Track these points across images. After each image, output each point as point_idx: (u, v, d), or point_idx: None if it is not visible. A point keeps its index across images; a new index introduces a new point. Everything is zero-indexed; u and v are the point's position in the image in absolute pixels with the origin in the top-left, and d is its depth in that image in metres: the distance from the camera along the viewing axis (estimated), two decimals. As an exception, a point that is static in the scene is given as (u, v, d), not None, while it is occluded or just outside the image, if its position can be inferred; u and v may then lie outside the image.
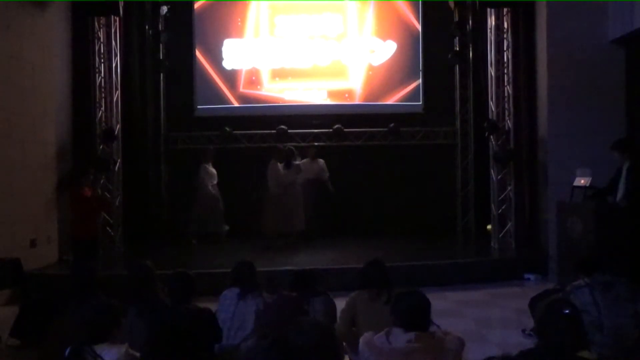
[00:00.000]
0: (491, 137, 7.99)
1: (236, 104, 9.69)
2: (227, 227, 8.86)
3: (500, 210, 8.02)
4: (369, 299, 3.49)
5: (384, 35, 9.70)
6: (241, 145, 9.57)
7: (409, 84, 9.71)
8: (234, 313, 3.65)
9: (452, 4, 9.56)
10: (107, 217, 8.05)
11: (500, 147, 7.92)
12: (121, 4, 7.87)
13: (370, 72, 9.71)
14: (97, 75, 8.02)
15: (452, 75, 9.91)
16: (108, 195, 8.02)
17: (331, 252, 7.81)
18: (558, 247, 6.31)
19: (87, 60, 7.96)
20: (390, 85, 9.70)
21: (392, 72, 9.70)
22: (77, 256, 7.23)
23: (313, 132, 9.62)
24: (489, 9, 7.99)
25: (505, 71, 7.93)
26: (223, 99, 9.67)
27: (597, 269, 3.64)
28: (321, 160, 9.04)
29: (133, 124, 8.79)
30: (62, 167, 7.58)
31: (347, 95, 9.72)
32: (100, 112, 8.04)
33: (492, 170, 8.11)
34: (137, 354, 2.64)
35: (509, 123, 7.89)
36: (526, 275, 6.99)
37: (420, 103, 9.76)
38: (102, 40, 8.08)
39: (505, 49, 7.91)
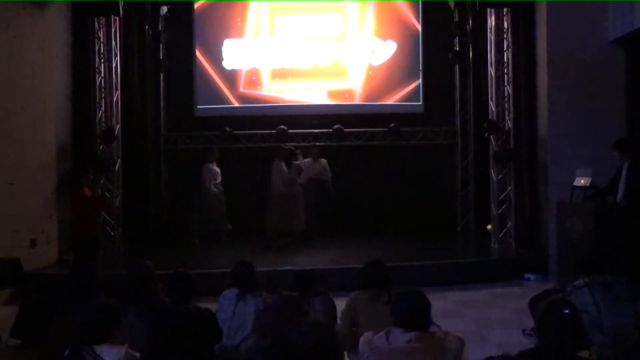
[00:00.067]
0: (491, 137, 7.99)
1: (236, 104, 9.69)
2: (229, 227, 8.87)
3: (500, 210, 8.03)
4: (369, 299, 3.49)
5: (384, 35, 9.70)
6: (241, 145, 9.57)
7: (409, 84, 9.71)
8: (233, 313, 3.65)
9: (452, 4, 9.56)
10: (107, 217, 8.05)
11: (500, 147, 7.92)
12: (121, 4, 7.87)
13: (370, 72, 9.71)
14: (97, 75, 8.02)
15: (452, 75, 9.91)
16: (108, 195, 8.01)
17: (331, 252, 7.81)
18: (558, 247, 6.32)
19: (87, 60, 7.95)
20: (390, 85, 9.70)
21: (392, 72, 9.70)
22: (77, 256, 7.22)
23: (313, 132, 9.62)
24: (489, 9, 7.99)
25: (505, 71, 7.93)
26: (223, 99, 9.67)
27: (597, 269, 3.64)
28: (323, 160, 9.04)
29: (133, 124, 8.80)
30: (62, 167, 7.58)
31: (347, 95, 9.72)
32: (100, 112, 8.04)
33: (492, 170, 8.11)
34: (137, 355, 2.64)
35: (509, 123, 7.89)
36: (526, 275, 6.99)
37: (420, 103, 9.76)
38: (102, 40, 8.08)
39: (505, 49, 7.91)
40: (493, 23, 7.95)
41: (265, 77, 9.69)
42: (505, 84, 7.94)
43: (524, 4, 7.61)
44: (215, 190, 8.73)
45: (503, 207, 8.01)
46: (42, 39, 7.19)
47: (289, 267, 6.29)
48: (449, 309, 5.73)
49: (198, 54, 9.67)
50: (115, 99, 8.14)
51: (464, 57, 9.62)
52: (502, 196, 8.01)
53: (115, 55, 8.16)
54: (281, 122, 9.36)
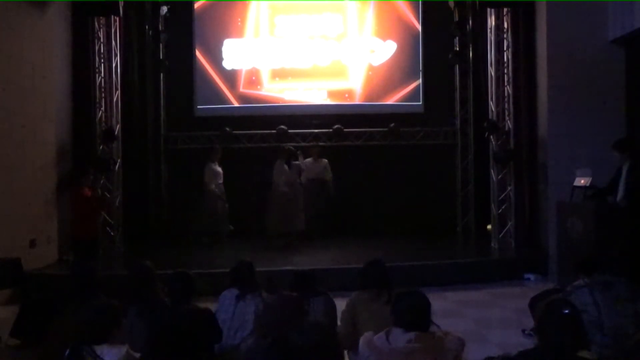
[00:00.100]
0: (491, 137, 7.99)
1: (236, 104, 9.69)
2: (231, 227, 8.86)
3: (500, 210, 8.03)
4: (369, 299, 3.48)
5: (384, 35, 9.70)
6: (241, 146, 9.57)
7: (409, 84, 9.71)
8: (233, 313, 3.65)
9: (452, 4, 9.56)
10: (107, 217, 8.05)
11: (500, 147, 7.92)
12: (121, 4, 7.88)
13: (370, 72, 9.71)
14: (97, 75, 8.02)
15: (452, 75, 9.91)
16: (108, 195, 8.02)
17: (331, 252, 7.81)
18: (558, 247, 6.32)
19: (87, 60, 7.95)
20: (390, 85, 9.70)
21: (392, 72, 9.70)
22: (77, 256, 7.22)
23: (313, 132, 9.62)
24: (489, 9, 7.99)
25: (505, 71, 7.93)
26: (223, 99, 9.67)
27: (597, 269, 3.63)
28: (325, 160, 9.03)
29: (133, 124, 8.79)
30: (62, 167, 7.58)
31: (347, 95, 9.72)
32: (100, 112, 8.04)
33: (492, 170, 8.12)
34: (137, 355, 2.64)
35: (509, 123, 7.89)
36: (526, 275, 6.99)
37: (420, 103, 9.76)
38: (102, 40, 8.08)
39: (505, 49, 7.91)
40: (493, 23, 7.95)
41: (265, 77, 9.69)
42: (505, 84, 7.94)
43: (524, 4, 7.62)
44: (217, 190, 8.72)
45: (503, 207, 8.01)
46: (42, 39, 7.19)
47: (289, 267, 6.29)
48: (449, 309, 5.74)
49: (198, 54, 9.67)
50: (115, 99, 8.14)
51: (464, 57, 9.61)
52: (502, 196, 8.01)
53: (115, 55, 8.16)
54: (281, 122, 9.36)
